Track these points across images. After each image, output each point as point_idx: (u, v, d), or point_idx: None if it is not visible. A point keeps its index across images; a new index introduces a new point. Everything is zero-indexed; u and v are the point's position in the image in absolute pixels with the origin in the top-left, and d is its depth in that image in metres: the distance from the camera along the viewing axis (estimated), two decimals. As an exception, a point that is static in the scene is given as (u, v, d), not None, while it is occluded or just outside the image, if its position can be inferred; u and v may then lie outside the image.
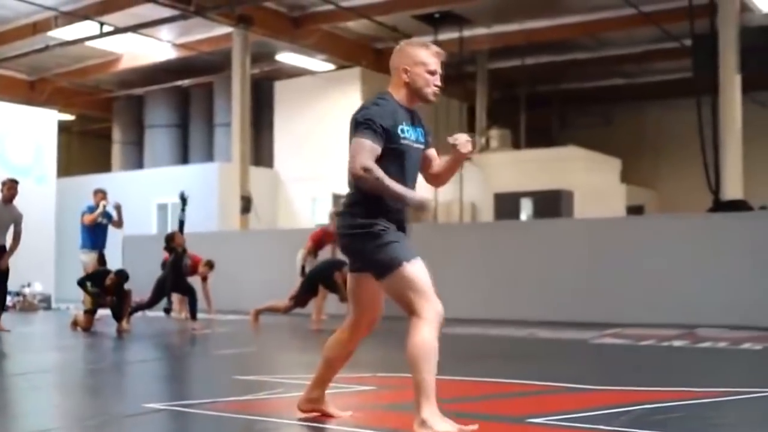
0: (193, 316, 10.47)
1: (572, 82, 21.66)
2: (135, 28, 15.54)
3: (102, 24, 15.45)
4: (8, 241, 9.96)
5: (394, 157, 3.65)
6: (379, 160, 3.59)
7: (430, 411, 3.48)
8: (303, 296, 10.46)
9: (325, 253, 11.96)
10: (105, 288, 9.98)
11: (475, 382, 5.67)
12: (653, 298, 10.36)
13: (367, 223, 3.63)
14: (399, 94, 3.76)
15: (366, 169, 3.52)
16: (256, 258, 13.97)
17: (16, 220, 10.02)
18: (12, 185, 10.09)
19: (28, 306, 14.25)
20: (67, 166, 24.28)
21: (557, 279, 11.02)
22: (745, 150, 12.59)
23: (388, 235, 3.62)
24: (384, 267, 3.59)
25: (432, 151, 3.92)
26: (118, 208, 11.52)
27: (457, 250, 12.18)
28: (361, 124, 3.60)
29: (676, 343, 8.34)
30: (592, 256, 10.91)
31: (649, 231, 10.93)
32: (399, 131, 3.67)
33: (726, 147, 11.75)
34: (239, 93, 16.20)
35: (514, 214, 15.73)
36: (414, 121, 3.80)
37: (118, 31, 15.55)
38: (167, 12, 14.55)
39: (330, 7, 15.40)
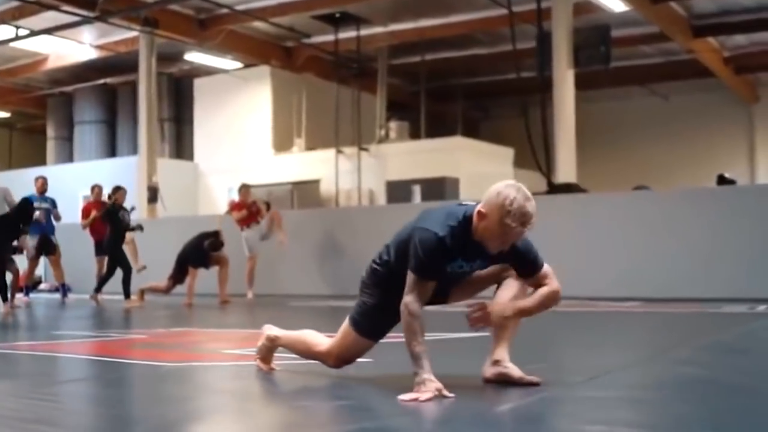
0: (98, 290, 11.95)
1: (488, 75, 22.90)
2: (49, 31, 16.59)
3: (18, 27, 16.53)
4: None
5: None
6: None
7: None
8: (177, 275, 11.71)
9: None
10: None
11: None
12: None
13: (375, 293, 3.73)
14: (475, 224, 3.41)
15: (407, 311, 3.39)
16: (162, 244, 15.12)
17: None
18: None
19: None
20: (10, 161, 25.38)
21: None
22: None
23: (373, 306, 3.72)
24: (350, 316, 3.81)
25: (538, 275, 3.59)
26: (52, 203, 12.53)
27: (355, 231, 13.51)
28: (416, 255, 3.40)
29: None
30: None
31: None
32: (451, 266, 3.50)
33: (560, 138, 13.08)
34: (145, 92, 17.44)
35: (406, 199, 16.94)
36: (478, 253, 3.51)
37: (32, 34, 16.63)
38: (75, 17, 15.62)
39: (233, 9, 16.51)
